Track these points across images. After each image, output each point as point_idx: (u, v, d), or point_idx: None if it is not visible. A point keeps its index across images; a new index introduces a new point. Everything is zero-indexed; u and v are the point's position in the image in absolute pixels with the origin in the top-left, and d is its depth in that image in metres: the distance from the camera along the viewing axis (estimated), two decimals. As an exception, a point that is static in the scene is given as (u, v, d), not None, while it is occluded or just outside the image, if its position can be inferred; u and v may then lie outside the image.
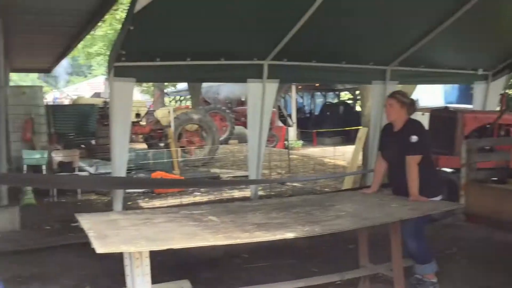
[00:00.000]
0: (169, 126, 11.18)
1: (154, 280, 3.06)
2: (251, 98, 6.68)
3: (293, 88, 19.76)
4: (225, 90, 18.30)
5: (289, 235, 3.08)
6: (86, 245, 3.05)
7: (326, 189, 8.82)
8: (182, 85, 23.14)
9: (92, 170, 9.18)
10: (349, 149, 10.32)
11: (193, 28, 5.36)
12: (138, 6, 4.53)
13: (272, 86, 6.55)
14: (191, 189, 8.84)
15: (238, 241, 2.97)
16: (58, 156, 8.86)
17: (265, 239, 3.04)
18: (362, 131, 8.40)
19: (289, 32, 5.86)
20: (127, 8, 6.50)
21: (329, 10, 5.44)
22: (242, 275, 4.67)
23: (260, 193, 7.70)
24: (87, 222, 3.23)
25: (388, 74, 7.16)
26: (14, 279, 4.53)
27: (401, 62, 7.07)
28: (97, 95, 23.89)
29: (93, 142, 11.29)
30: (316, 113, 22.82)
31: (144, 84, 23.19)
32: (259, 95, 6.48)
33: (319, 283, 3.84)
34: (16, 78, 30.86)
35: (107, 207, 7.31)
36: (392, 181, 4.41)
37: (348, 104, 22.36)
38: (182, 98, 27.53)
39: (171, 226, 3.25)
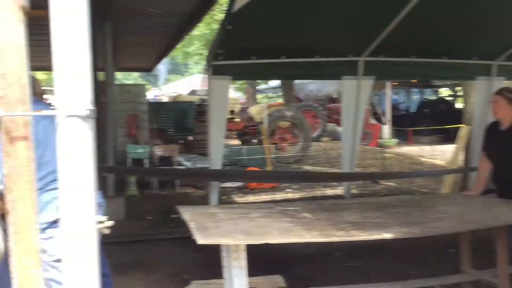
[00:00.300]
0: (262, 122, 11.35)
1: (248, 273, 3.14)
2: (345, 95, 6.60)
3: (388, 84, 19.15)
4: (317, 87, 18.19)
5: (386, 235, 3.00)
6: (184, 236, 3.20)
7: (423, 190, 8.48)
8: (275, 82, 23.35)
9: (189, 164, 9.57)
10: (448, 148, 9.82)
11: (288, 26, 5.40)
12: (236, 6, 4.66)
13: (367, 83, 6.42)
14: (284, 185, 8.92)
15: (334, 239, 2.95)
16: (158, 151, 9.36)
17: (361, 238, 2.99)
18: (464, 130, 7.94)
19: (386, 27, 5.69)
20: (224, 8, 6.69)
21: (429, 1, 5.21)
22: (335, 274, 4.64)
23: (353, 191, 7.59)
24: (188, 214, 3.38)
25: (494, 69, 6.70)
26: (118, 266, 4.87)
27: (509, 57, 6.59)
28: (193, 92, 24.83)
29: (190, 137, 11.76)
30: (413, 110, 21.93)
31: (237, 82, 23.72)
32: (353, 93, 6.38)
33: (417, 286, 3.71)
34: (120, 77, 32.95)
35: (203, 201, 7.60)
36: (498, 183, 4.15)
37: (447, 101, 21.25)
38: (274, 95, 27.79)
39: (267, 222, 3.31)
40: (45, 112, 1.53)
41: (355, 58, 6.22)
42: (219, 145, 6.20)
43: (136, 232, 6.16)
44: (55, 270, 2.47)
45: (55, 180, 2.44)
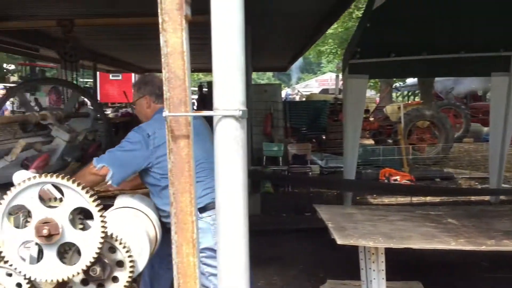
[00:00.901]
0: (398, 122, 10.93)
1: (386, 277, 3.06)
2: (494, 93, 6.10)
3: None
4: (459, 84, 17.00)
5: (546, 247, 2.73)
6: (317, 233, 3.21)
7: None
8: (411, 79, 22.33)
9: (322, 163, 9.58)
10: None
11: (431, 20, 5.14)
12: (377, 3, 4.56)
13: (521, 81, 5.86)
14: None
15: (483, 248, 2.75)
16: (292, 149, 9.52)
17: (516, 249, 2.75)
18: None
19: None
20: (362, 6, 6.55)
21: None
22: (480, 285, 4.32)
23: (502, 197, 6.97)
24: (325, 213, 3.40)
25: None
26: (256, 258, 5.06)
27: None
28: (325, 91, 24.78)
29: (323, 136, 11.76)
30: None
31: (371, 80, 23.13)
32: (504, 91, 5.86)
33: None
34: (255, 76, 34.11)
35: (337, 200, 7.57)
36: None
37: None
38: (410, 93, 26.59)
39: (407, 225, 3.20)
40: (204, 113, 1.65)
41: (507, 53, 5.70)
42: (355, 145, 6.13)
43: (270, 226, 6.33)
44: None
45: (199, 172, 2.60)
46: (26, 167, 2.70)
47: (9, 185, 2.45)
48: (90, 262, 1.82)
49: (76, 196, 1.80)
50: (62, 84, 6.24)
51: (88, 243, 1.82)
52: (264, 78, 47.50)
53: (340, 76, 19.82)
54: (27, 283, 1.89)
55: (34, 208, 1.81)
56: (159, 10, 1.52)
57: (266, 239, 5.76)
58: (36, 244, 1.85)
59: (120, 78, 25.34)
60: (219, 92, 1.55)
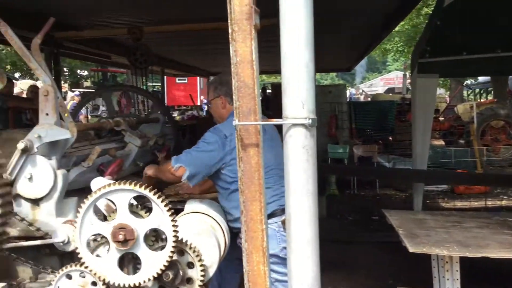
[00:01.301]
0: (471, 122, 10.45)
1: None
2: None
3: None
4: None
5: None
6: (386, 238, 3.09)
7: None
8: (483, 77, 21.27)
9: (389, 165, 9.33)
10: None
11: (504, 16, 4.87)
12: (448, 0, 4.38)
13: None
14: (497, 190, 8.08)
15: None
16: (358, 151, 9.34)
17: None
18: None
19: None
20: (430, 3, 6.33)
21: None
22: None
23: None
24: (395, 219, 3.30)
25: None
26: (321, 264, 4.99)
27: None
28: (390, 90, 24.15)
29: (390, 138, 11.45)
30: None
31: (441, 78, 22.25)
32: None
33: None
34: (318, 77, 33.82)
35: (405, 204, 7.35)
36: None
37: None
38: (482, 91, 25.36)
39: (484, 233, 3.04)
40: (274, 121, 1.64)
41: None
42: (425, 147, 5.91)
43: (336, 230, 6.24)
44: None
45: (268, 178, 2.61)
46: (101, 172, 2.82)
47: (86, 189, 2.59)
48: (161, 270, 1.88)
49: (159, 213, 1.89)
50: (136, 91, 6.49)
51: (158, 256, 1.89)
52: (327, 78, 47.01)
53: (408, 74, 19.25)
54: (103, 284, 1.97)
55: (120, 213, 1.90)
56: (228, 21, 1.54)
57: (332, 244, 5.68)
58: (113, 248, 1.93)
59: (186, 81, 26.03)
60: (289, 100, 1.54)
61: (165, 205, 1.90)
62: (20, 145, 2.30)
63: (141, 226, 1.92)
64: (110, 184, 1.91)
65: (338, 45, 9.68)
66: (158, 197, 1.90)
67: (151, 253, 1.92)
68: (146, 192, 1.88)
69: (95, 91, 7.12)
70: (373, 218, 6.80)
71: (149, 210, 1.95)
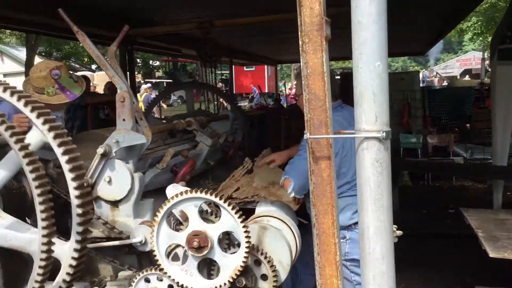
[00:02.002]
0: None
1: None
2: None
3: None
4: None
5: None
6: (463, 234, 2.94)
7: None
8: None
9: (467, 155, 8.90)
10: None
11: None
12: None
13: None
14: None
15: None
16: (432, 140, 8.98)
17: None
18: None
19: None
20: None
21: None
22: None
23: None
24: (474, 219, 3.16)
25: None
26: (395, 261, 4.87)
27: None
28: (467, 72, 22.96)
29: (467, 125, 10.89)
30: None
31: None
32: None
33: None
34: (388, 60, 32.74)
35: (484, 197, 6.98)
36: None
37: None
38: None
39: None
40: (346, 135, 1.61)
41: None
42: (505, 134, 5.60)
43: (410, 224, 6.05)
44: (345, 268, 2.64)
45: (349, 189, 2.58)
46: (175, 173, 2.90)
47: (160, 190, 2.68)
48: (236, 275, 1.91)
49: (229, 218, 1.91)
50: (209, 90, 6.62)
51: (233, 260, 1.92)
52: (399, 60, 45.34)
53: (487, 55, 18.16)
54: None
55: (192, 220, 1.95)
56: (299, 32, 1.51)
57: (405, 238, 5.51)
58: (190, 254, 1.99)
59: (253, 69, 26.17)
60: (362, 113, 1.50)
61: (234, 210, 1.91)
62: (100, 150, 2.41)
63: (213, 231, 1.96)
64: (182, 192, 1.95)
65: (410, 30, 9.30)
66: (227, 203, 1.92)
67: (226, 257, 1.95)
68: (214, 198, 1.91)
69: (169, 89, 7.37)
70: (449, 212, 6.54)
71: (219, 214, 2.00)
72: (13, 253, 2.29)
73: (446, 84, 18.49)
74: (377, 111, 1.48)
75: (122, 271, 2.51)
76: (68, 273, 2.07)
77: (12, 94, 1.99)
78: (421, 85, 15.23)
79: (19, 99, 1.99)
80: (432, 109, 10.67)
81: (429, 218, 6.55)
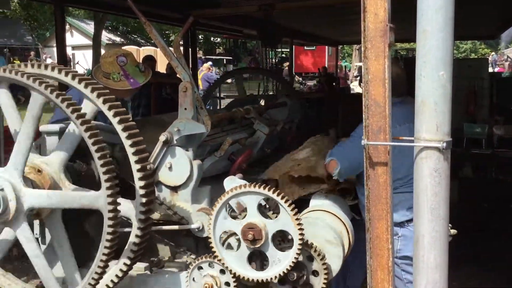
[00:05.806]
0: None
1: None
2: None
3: None
4: None
5: None
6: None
7: None
8: None
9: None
10: None
11: None
12: None
13: None
14: None
15: None
16: (499, 131, 8.58)
17: None
18: None
19: None
20: None
21: None
22: None
23: None
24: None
25: None
26: (450, 257, 4.75)
27: None
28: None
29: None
30: None
31: None
32: None
33: None
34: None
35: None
36: None
37: None
38: None
39: None
40: (404, 143, 1.60)
41: None
42: None
43: (469, 219, 5.88)
44: (396, 266, 2.63)
45: (402, 186, 2.55)
46: (232, 161, 2.97)
47: (216, 177, 2.76)
48: (287, 269, 1.96)
49: (287, 218, 1.96)
50: (268, 75, 6.63)
51: (285, 255, 1.97)
52: (468, 42, 43.16)
53: None
54: (234, 281, 2.12)
55: (250, 213, 2.03)
56: (362, 38, 1.51)
57: (463, 233, 5.36)
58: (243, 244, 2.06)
59: (314, 48, 25.79)
60: (422, 122, 1.48)
61: (292, 208, 1.96)
62: (162, 138, 2.51)
63: (269, 226, 2.02)
64: (241, 185, 2.01)
65: (480, 13, 8.86)
66: (285, 200, 1.96)
67: (277, 253, 2.01)
68: (273, 195, 1.96)
69: (228, 74, 7.51)
70: (511, 207, 6.29)
71: (277, 211, 2.04)
72: (81, 230, 2.45)
73: (518, 70, 17.53)
74: (438, 121, 1.46)
75: (179, 253, 2.63)
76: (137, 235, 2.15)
77: (80, 81, 2.10)
78: (489, 70, 14.48)
79: (86, 86, 2.09)
80: (500, 97, 10.14)
81: (489, 213, 6.33)
